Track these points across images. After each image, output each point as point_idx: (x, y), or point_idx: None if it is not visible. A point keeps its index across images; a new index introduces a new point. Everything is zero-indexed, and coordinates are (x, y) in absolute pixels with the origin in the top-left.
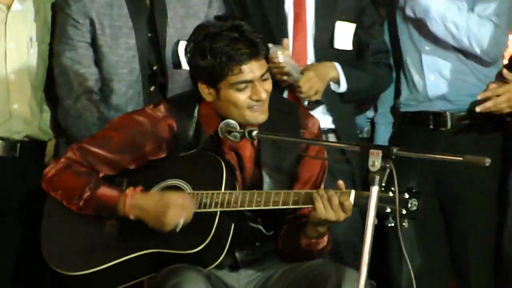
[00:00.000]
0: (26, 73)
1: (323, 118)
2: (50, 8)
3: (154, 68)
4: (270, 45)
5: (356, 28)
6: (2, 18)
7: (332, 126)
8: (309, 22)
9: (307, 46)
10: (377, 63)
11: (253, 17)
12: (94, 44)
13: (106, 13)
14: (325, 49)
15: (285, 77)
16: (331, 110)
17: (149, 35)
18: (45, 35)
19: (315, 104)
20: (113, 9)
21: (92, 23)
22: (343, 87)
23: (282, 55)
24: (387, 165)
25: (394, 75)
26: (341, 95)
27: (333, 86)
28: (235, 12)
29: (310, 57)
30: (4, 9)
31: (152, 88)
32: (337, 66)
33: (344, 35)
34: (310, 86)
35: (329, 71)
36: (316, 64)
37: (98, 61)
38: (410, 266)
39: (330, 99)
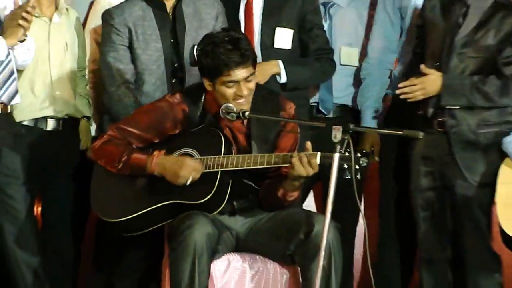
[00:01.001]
0: (63, 68)
1: None
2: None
3: (175, 65)
4: None
5: (299, 32)
6: (46, 28)
7: None
8: (255, 28)
9: (254, 46)
10: (318, 59)
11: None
12: (130, 47)
13: (140, 24)
14: (268, 49)
15: None
16: None
17: (172, 41)
18: (75, 41)
19: None
20: (145, 21)
21: (129, 31)
22: (283, 79)
23: None
24: (345, 137)
25: None
26: (283, 85)
27: (278, 79)
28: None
29: (258, 55)
30: (47, 21)
31: (173, 80)
32: (280, 63)
33: (283, 38)
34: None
35: (272, 67)
36: (262, 63)
37: (133, 59)
38: (363, 221)
39: (275, 88)
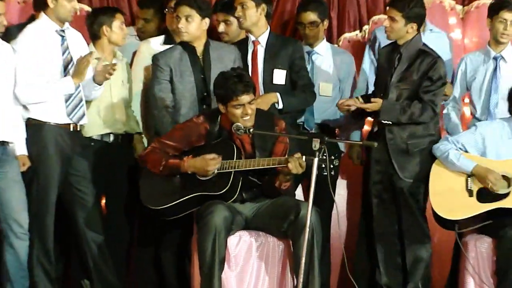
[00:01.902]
0: (121, 98)
1: None
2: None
3: (204, 94)
4: None
5: (290, 72)
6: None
7: None
8: (259, 69)
9: (258, 83)
10: (304, 91)
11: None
12: (171, 81)
13: (178, 63)
14: (268, 84)
15: None
16: None
17: (201, 76)
18: (126, 78)
19: None
20: (181, 61)
21: (171, 70)
22: (280, 106)
23: None
24: (322, 146)
25: None
26: (280, 110)
27: (276, 105)
28: None
29: (261, 89)
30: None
31: (204, 106)
32: (278, 94)
33: (279, 76)
34: (257, 106)
35: (272, 98)
36: (265, 94)
37: (173, 90)
38: (336, 207)
39: (275, 113)
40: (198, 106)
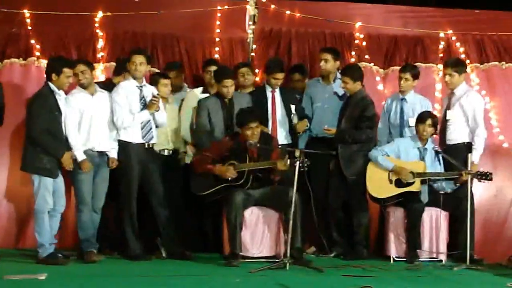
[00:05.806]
0: (172, 127)
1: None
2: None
3: (228, 123)
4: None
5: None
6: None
7: None
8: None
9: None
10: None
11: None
12: (209, 116)
13: (213, 106)
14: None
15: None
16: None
17: (227, 113)
18: (177, 114)
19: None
20: (215, 105)
21: (208, 111)
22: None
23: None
24: (300, 154)
25: None
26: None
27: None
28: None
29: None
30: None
31: (228, 130)
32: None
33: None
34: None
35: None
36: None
37: (209, 120)
38: (311, 195)
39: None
40: (224, 131)
